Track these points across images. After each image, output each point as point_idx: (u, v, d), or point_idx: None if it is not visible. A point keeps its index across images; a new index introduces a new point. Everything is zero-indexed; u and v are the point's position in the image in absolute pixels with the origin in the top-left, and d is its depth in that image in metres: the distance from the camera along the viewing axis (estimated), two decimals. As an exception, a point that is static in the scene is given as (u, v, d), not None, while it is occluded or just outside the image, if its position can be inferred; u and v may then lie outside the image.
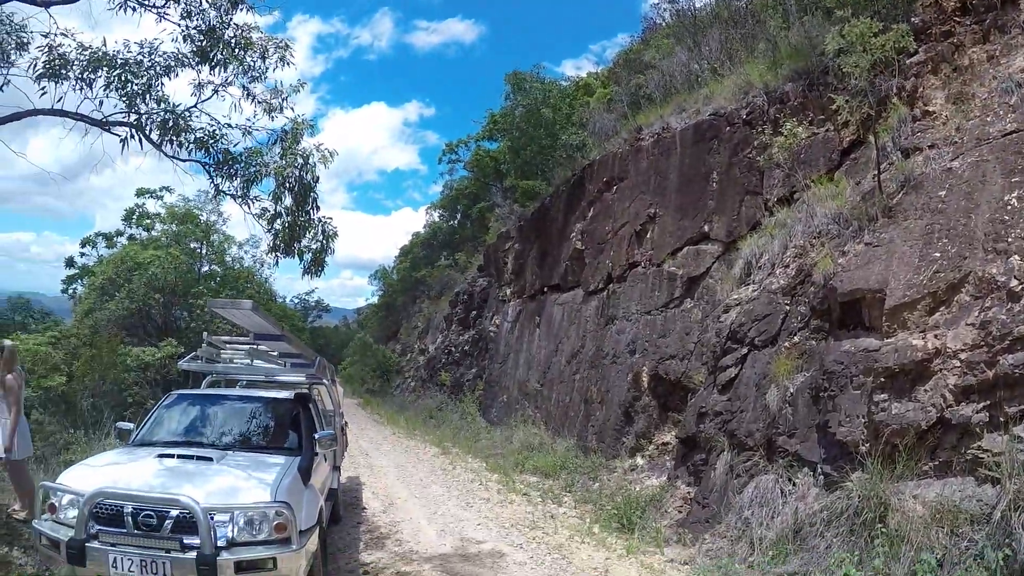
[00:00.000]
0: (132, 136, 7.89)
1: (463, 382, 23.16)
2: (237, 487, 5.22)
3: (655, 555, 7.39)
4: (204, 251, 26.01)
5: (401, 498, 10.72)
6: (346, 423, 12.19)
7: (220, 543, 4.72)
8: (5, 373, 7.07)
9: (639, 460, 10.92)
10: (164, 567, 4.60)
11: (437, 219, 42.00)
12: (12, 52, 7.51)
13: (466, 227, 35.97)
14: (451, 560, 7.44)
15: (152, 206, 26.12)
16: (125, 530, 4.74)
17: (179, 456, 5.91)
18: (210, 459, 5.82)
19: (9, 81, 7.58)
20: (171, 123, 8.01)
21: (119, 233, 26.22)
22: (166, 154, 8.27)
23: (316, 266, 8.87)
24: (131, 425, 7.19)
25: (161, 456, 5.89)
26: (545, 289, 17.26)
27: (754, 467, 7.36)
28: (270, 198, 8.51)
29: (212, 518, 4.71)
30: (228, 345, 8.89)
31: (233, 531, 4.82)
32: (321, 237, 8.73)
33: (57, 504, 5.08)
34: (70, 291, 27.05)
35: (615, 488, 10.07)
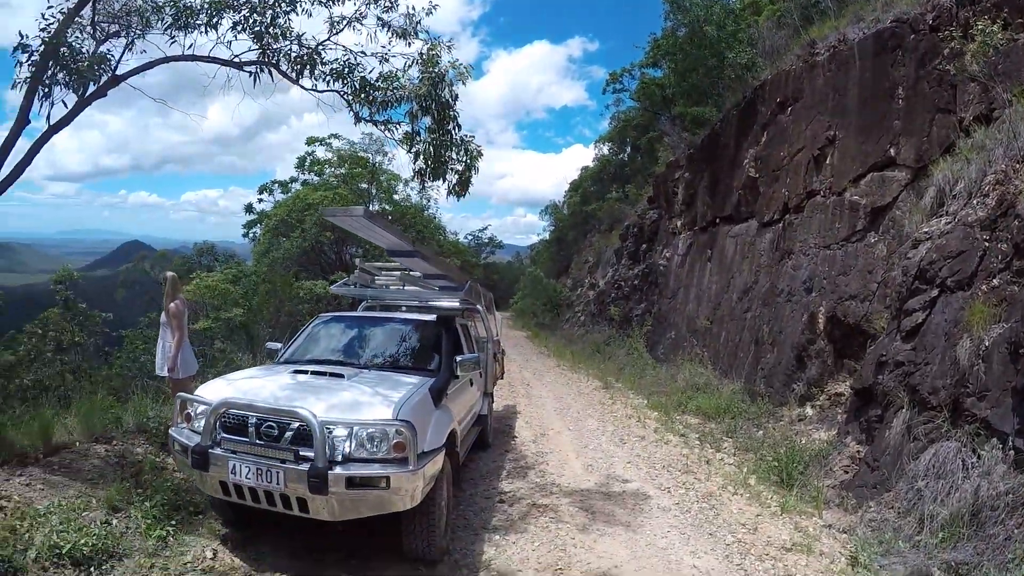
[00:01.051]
0: (261, 71, 8.08)
1: (631, 317, 22.71)
2: (360, 403, 5.27)
3: (812, 517, 6.75)
4: (373, 191, 26.69)
5: (554, 429, 10.64)
6: (503, 351, 12.20)
7: (337, 458, 4.80)
8: (169, 301, 7.80)
9: (808, 410, 10.08)
10: (278, 476, 4.73)
11: (606, 152, 41.37)
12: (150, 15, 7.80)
13: (635, 159, 35.23)
14: (591, 497, 7.24)
15: (322, 153, 27.34)
16: (247, 439, 4.96)
17: (312, 372, 6.11)
18: (341, 376, 5.99)
19: (141, 36, 7.88)
20: (305, 57, 8.15)
21: (293, 180, 27.65)
22: (303, 87, 8.36)
23: (461, 187, 8.78)
24: (279, 345, 7.77)
25: (295, 372, 6.13)
26: (717, 220, 16.24)
27: (935, 431, 6.36)
28: (406, 120, 8.49)
29: (330, 432, 4.83)
30: (381, 271, 9.23)
31: (350, 447, 4.87)
32: (464, 156, 8.60)
33: (192, 414, 5.43)
34: (250, 235, 28.60)
35: (779, 438, 9.37)
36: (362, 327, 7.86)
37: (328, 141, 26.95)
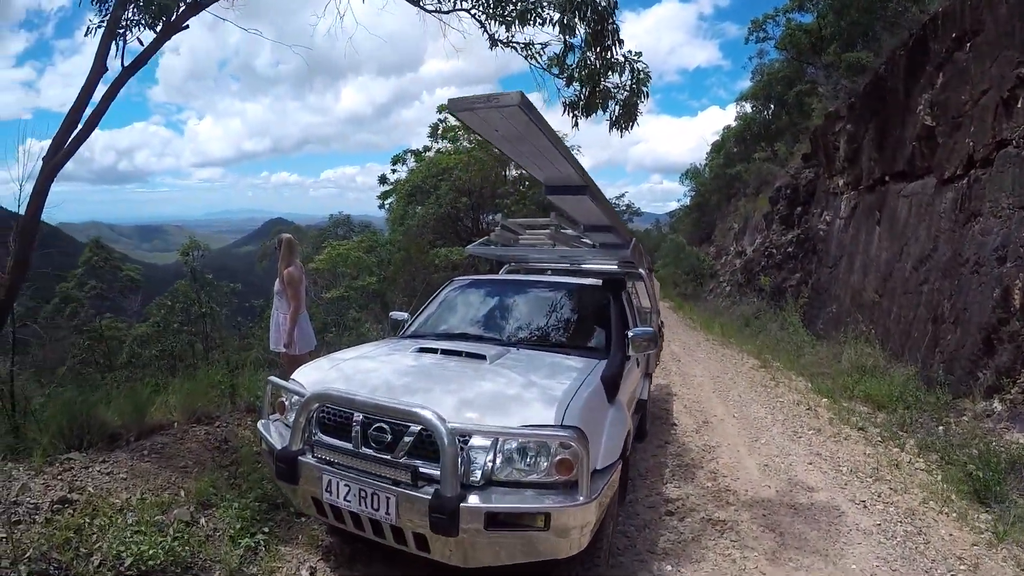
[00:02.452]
0: None
1: (784, 288, 21.20)
2: (507, 399, 3.86)
3: (1032, 548, 5.33)
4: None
5: (717, 416, 9.48)
6: (662, 323, 10.77)
7: (473, 477, 3.50)
8: (284, 266, 6.95)
9: (996, 404, 8.43)
10: (388, 502, 3.50)
11: (749, 111, 38.84)
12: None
13: (782, 116, 32.75)
14: (776, 511, 6.01)
15: (454, 119, 26.32)
16: (350, 446, 3.75)
17: (443, 351, 4.83)
18: (482, 357, 4.59)
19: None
20: None
21: (426, 149, 27.01)
22: (424, 8, 7.49)
23: (627, 117, 7.43)
24: (405, 315, 6.40)
25: (421, 351, 4.90)
26: (886, 178, 14.37)
27: None
28: (556, 32, 7.13)
29: (464, 442, 3.52)
30: (526, 229, 7.79)
31: (493, 463, 3.52)
32: (629, 79, 7.21)
33: (287, 404, 4.35)
34: (385, 206, 28.33)
35: (966, 436, 7.85)
36: (507, 293, 6.49)
37: None
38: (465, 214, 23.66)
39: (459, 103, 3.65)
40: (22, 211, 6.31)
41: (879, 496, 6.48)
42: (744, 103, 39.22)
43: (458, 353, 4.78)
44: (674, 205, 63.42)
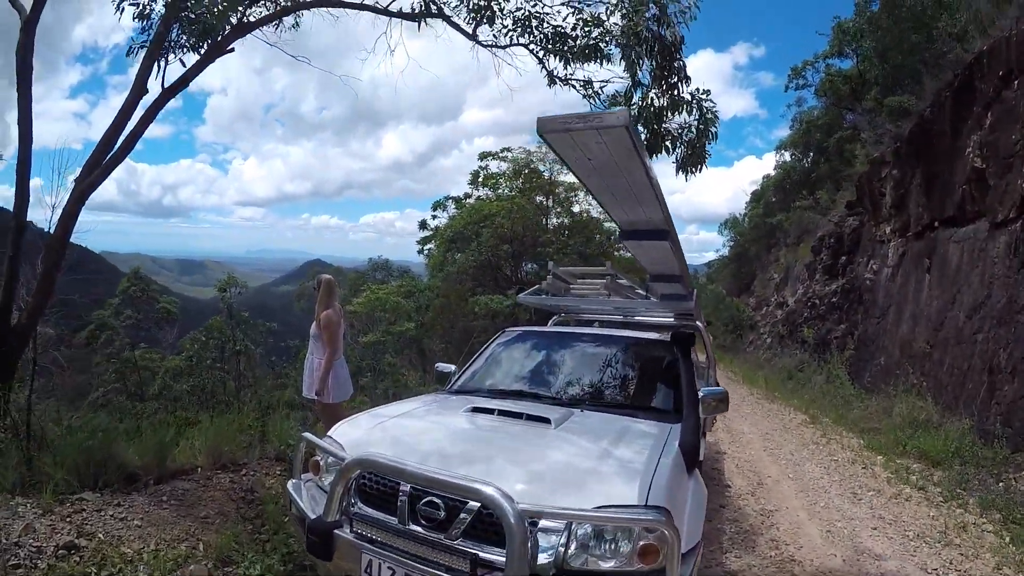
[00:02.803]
0: (426, 22, 7.09)
1: (829, 339, 20.39)
2: (582, 473, 3.35)
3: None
4: (549, 203, 25.57)
5: (771, 477, 8.92)
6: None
7: (541, 564, 2.95)
8: (322, 309, 6.56)
9: None
10: None
11: (788, 159, 38.56)
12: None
13: (822, 163, 32.47)
14: None
15: (495, 166, 26.57)
16: (395, 521, 3.23)
17: (500, 412, 4.31)
18: (546, 421, 4.10)
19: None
20: (483, 4, 6.97)
21: (467, 196, 27.13)
22: (481, 43, 7.33)
23: (694, 160, 7.00)
24: (452, 367, 5.85)
25: (475, 410, 4.39)
26: (936, 223, 13.79)
27: None
28: (620, 69, 6.81)
29: (534, 524, 2.99)
30: (578, 278, 7.34)
31: (566, 548, 2.99)
32: (696, 118, 6.83)
33: (322, 464, 3.88)
34: (424, 251, 28.19)
35: None
36: (565, 347, 5.93)
37: (502, 155, 26.28)
38: (506, 262, 23.48)
39: (551, 123, 3.13)
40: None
41: (951, 563, 5.95)
42: (783, 152, 39.07)
43: (518, 415, 4.25)
44: (711, 255, 62.69)
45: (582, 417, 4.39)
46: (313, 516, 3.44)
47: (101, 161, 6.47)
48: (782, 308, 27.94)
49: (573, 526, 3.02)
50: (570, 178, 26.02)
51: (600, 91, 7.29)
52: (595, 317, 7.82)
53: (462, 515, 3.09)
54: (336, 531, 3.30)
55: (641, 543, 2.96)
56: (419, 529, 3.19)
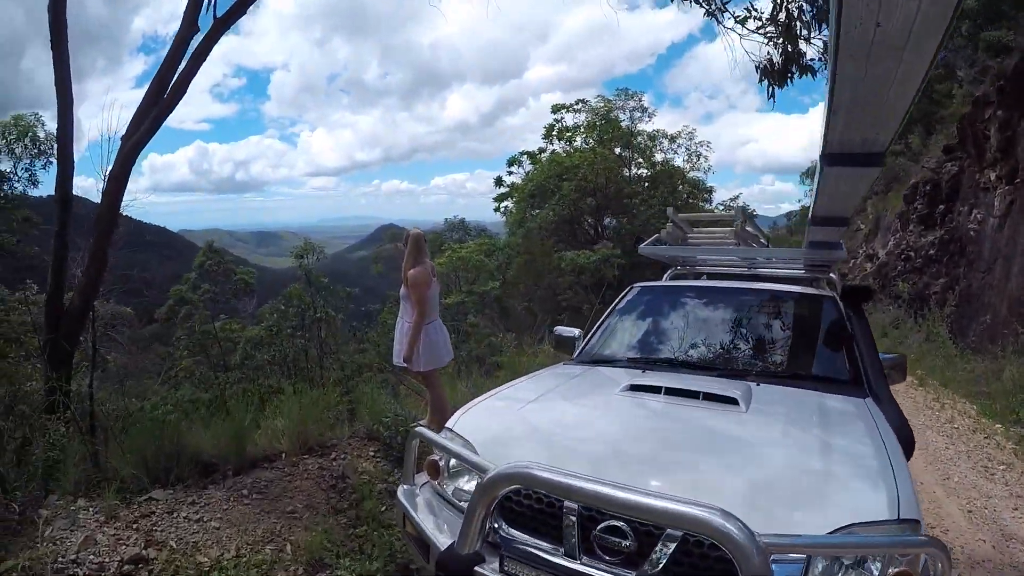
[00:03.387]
0: None
1: (927, 295, 19.27)
2: (812, 478, 2.51)
3: None
4: (630, 155, 24.60)
5: None
6: None
7: None
8: (409, 266, 5.89)
9: None
10: None
11: None
12: None
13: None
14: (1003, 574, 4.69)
15: (569, 119, 25.64)
16: (562, 551, 2.45)
17: (668, 391, 3.36)
18: (732, 402, 3.21)
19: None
20: None
21: (541, 151, 26.20)
22: None
23: None
24: (575, 331, 4.95)
25: (635, 389, 3.44)
26: (1049, 169, 12.85)
27: None
28: None
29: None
30: (692, 227, 6.64)
31: None
32: None
33: (442, 465, 3.05)
34: (500, 209, 27.46)
35: None
36: (708, 304, 4.95)
37: (576, 107, 25.32)
38: (589, 215, 22.77)
39: None
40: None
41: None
42: None
43: (692, 394, 3.32)
44: (786, 207, 60.50)
45: (762, 393, 3.48)
46: (437, 539, 2.67)
47: (150, 114, 5.94)
48: (872, 260, 26.70)
49: (815, 565, 2.25)
50: (650, 126, 25.00)
51: (723, 7, 6.53)
52: (718, 269, 6.74)
53: (660, 547, 2.29)
54: (477, 567, 2.49)
55: (894, 570, 2.18)
56: (600, 567, 2.37)
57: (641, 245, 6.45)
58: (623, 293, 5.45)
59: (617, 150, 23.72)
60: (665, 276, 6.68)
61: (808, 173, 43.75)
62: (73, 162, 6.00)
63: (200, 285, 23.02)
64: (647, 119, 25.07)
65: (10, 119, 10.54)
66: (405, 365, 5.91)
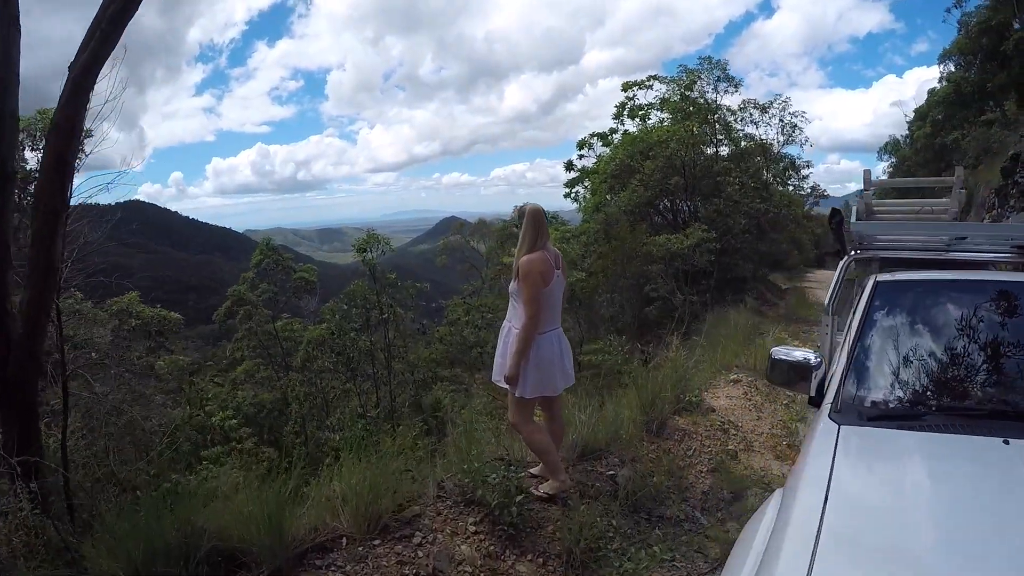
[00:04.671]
0: None
1: (1032, 277, 17.19)
2: None
3: None
4: (710, 132, 21.97)
5: None
6: None
7: None
8: (523, 252, 4.12)
9: None
10: None
11: (953, 69, 33.48)
12: None
13: (1003, 70, 27.29)
14: None
15: (643, 97, 23.48)
16: None
17: None
18: None
19: None
20: None
21: (612, 132, 24.35)
22: None
23: None
24: (810, 356, 3.31)
25: None
26: None
27: None
28: None
29: None
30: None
31: None
32: None
33: None
34: (572, 194, 25.88)
35: None
36: (1000, 306, 3.23)
37: (648, 84, 23.17)
38: (678, 196, 20.38)
39: None
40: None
41: None
42: (947, 61, 34.07)
43: None
44: (853, 186, 57.65)
45: None
46: None
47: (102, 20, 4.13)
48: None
49: None
50: (734, 100, 22.89)
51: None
52: (907, 253, 4.81)
53: None
54: None
55: None
56: None
57: (856, 224, 4.74)
58: (863, 293, 3.67)
59: (694, 129, 21.53)
60: (843, 265, 5.00)
61: (886, 148, 41.21)
62: (17, 129, 4.34)
63: (258, 284, 21.98)
64: (732, 90, 22.86)
65: None
66: (506, 386, 4.14)
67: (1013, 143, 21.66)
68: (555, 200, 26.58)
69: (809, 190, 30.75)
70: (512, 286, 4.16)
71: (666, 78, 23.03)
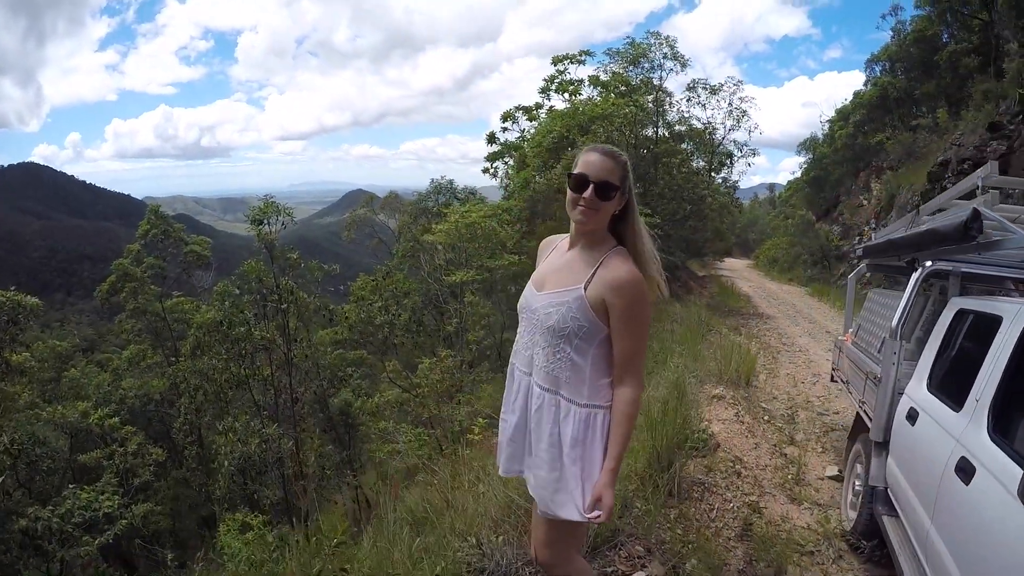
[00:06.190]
0: None
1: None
2: None
3: None
4: (654, 109, 20.33)
5: None
6: None
7: None
8: (641, 246, 2.28)
9: None
10: None
11: (879, 74, 33.94)
12: None
13: (931, 79, 28.49)
14: None
15: (574, 72, 21.71)
16: None
17: None
18: None
19: None
20: None
21: (538, 106, 22.52)
22: None
23: None
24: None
25: None
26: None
27: None
28: None
29: None
30: None
31: None
32: None
33: None
34: (492, 169, 24.05)
35: None
36: None
37: (580, 59, 21.51)
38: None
39: None
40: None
41: None
42: (873, 66, 34.47)
43: None
44: (756, 180, 58.47)
45: None
46: None
47: None
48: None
49: None
50: (681, 80, 21.51)
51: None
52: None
53: None
54: None
55: None
56: None
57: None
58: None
59: (642, 104, 19.70)
60: (918, 279, 4.10)
61: (805, 145, 40.81)
62: None
63: (145, 258, 19.38)
64: (678, 69, 21.23)
65: None
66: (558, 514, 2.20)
67: (942, 150, 21.66)
68: (466, 176, 24.81)
69: (721, 181, 29.43)
70: (558, 314, 2.19)
71: (612, 49, 21.38)
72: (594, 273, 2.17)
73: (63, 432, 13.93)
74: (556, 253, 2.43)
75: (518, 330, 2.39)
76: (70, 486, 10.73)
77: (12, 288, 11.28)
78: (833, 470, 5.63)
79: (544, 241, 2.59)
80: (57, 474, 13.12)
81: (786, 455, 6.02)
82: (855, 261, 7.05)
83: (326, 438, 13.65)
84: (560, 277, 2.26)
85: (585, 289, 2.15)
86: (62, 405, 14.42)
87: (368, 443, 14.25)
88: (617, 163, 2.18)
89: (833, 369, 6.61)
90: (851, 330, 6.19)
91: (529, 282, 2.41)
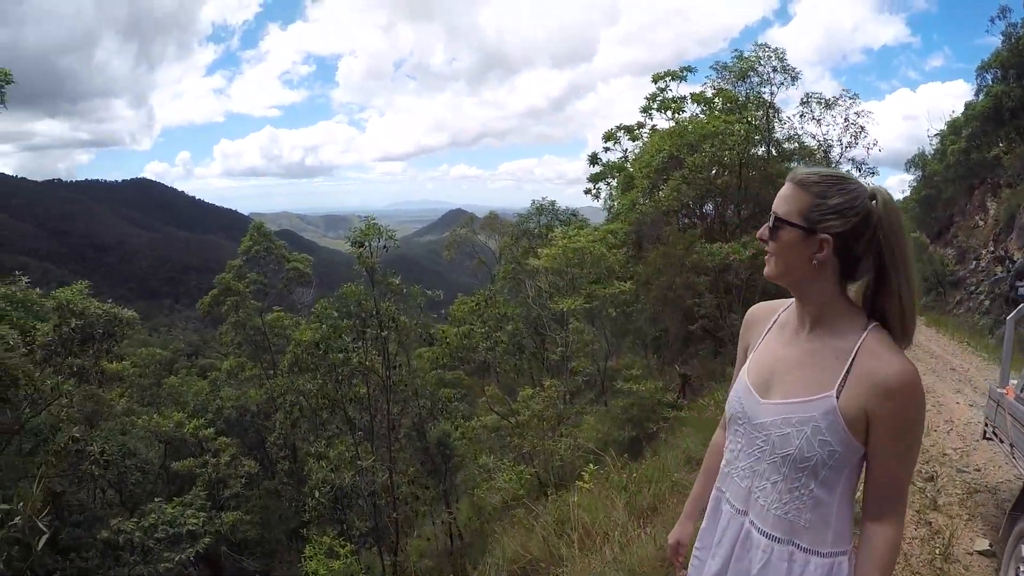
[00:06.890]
0: None
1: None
2: None
3: None
4: (764, 127, 18.40)
5: None
6: None
7: None
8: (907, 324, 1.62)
9: None
10: None
11: (991, 83, 31.06)
12: None
13: None
14: None
15: (676, 89, 20.70)
16: None
17: None
18: None
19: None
20: None
21: (640, 125, 21.91)
22: None
23: None
24: None
25: None
26: None
27: None
28: None
29: None
30: None
31: None
32: None
33: None
34: (594, 190, 23.66)
35: None
36: None
37: (682, 75, 20.55)
38: (732, 197, 17.34)
39: None
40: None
41: None
42: (984, 74, 31.61)
43: None
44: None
45: None
46: None
47: None
48: (1003, 263, 22.48)
49: None
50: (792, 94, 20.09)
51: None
52: None
53: None
54: None
55: None
56: None
57: None
58: None
59: (754, 121, 18.32)
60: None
61: (913, 162, 38.52)
62: None
63: (247, 273, 19.65)
64: (788, 83, 19.69)
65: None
66: None
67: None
68: (564, 197, 24.47)
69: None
70: (800, 437, 1.52)
71: (719, 63, 20.21)
72: (848, 369, 1.49)
73: (157, 440, 14.15)
74: (778, 333, 1.72)
75: (727, 445, 1.73)
76: (156, 499, 10.74)
77: (110, 301, 11.40)
78: (983, 544, 4.76)
79: (754, 310, 1.86)
80: (148, 481, 13.32)
81: (931, 524, 5.32)
82: (1009, 293, 6.04)
83: (423, 470, 13.31)
84: (796, 377, 1.57)
85: (838, 397, 1.47)
86: (158, 413, 14.66)
87: (462, 470, 13.89)
88: (807, 191, 1.53)
89: (986, 425, 5.60)
90: (1014, 383, 5.28)
91: (741, 374, 1.72)
